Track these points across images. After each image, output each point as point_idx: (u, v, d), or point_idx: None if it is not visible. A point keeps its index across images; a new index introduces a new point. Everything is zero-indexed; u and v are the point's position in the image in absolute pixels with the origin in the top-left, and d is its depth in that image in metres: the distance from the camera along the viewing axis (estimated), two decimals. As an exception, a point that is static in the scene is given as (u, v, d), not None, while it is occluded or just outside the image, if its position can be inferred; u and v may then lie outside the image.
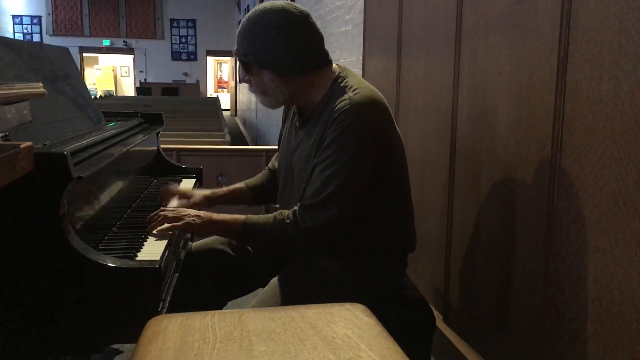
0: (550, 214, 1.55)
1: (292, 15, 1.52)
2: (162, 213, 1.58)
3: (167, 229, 1.54)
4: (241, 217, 1.54)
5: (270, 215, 1.53)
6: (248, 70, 1.59)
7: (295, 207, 1.50)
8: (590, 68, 1.38)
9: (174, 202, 1.80)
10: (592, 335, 1.38)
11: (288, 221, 1.48)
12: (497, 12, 1.85)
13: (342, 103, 1.48)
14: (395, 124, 1.60)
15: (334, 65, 1.62)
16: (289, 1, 1.62)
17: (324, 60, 1.58)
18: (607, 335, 1.33)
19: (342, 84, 1.55)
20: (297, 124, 1.67)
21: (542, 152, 1.58)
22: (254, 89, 1.62)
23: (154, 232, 1.55)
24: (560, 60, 1.50)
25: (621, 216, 1.28)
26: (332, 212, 1.46)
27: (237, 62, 1.64)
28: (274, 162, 1.93)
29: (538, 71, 1.61)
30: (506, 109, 1.79)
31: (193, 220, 1.55)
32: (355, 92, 1.51)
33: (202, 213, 1.58)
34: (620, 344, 1.29)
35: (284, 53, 1.52)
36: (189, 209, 1.61)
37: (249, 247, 1.77)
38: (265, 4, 1.55)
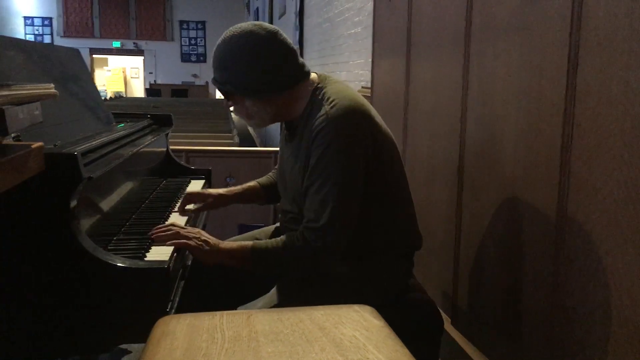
0: (560, 217, 1.54)
1: (260, 36, 1.51)
2: (174, 228, 1.55)
3: (176, 244, 1.50)
4: (249, 244, 1.53)
5: (277, 239, 1.52)
6: (229, 97, 1.59)
7: (302, 229, 1.49)
8: (601, 71, 1.38)
9: (190, 206, 1.81)
10: (600, 339, 1.38)
11: (298, 244, 1.47)
12: (506, 14, 1.84)
13: (320, 120, 1.48)
14: (383, 124, 1.59)
15: (313, 75, 1.61)
16: (255, 21, 1.62)
17: (301, 74, 1.57)
18: (616, 340, 1.33)
19: (319, 96, 1.54)
20: (286, 137, 1.68)
21: (552, 154, 1.58)
22: (237, 114, 1.63)
23: (162, 241, 1.52)
24: (571, 62, 1.50)
25: (631, 219, 1.27)
26: (338, 229, 1.46)
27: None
28: None
29: (548, 74, 1.60)
30: (515, 111, 1.78)
31: (201, 245, 1.51)
32: (331, 105, 1.49)
33: (211, 240, 1.53)
34: (630, 348, 1.28)
35: (259, 75, 1.51)
36: (201, 230, 1.58)
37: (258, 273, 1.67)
38: (233, 29, 1.54)
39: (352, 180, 1.48)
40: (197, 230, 1.58)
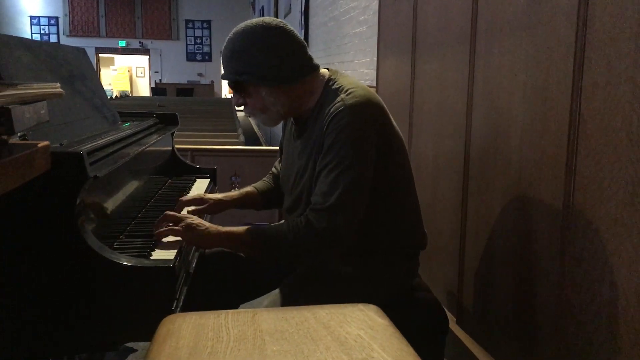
0: (566, 217, 1.54)
1: (272, 27, 1.54)
2: (165, 218, 1.56)
3: (167, 231, 1.52)
4: (249, 227, 1.53)
5: (279, 223, 1.53)
6: (243, 91, 1.59)
7: (306, 212, 1.48)
8: (607, 70, 1.37)
9: (189, 209, 1.81)
10: (607, 339, 1.37)
11: (302, 225, 1.46)
12: (512, 12, 1.84)
13: (336, 105, 1.49)
14: (393, 120, 1.60)
15: (323, 69, 1.63)
16: (262, 16, 1.64)
17: (312, 65, 1.59)
18: (622, 339, 1.32)
19: (333, 87, 1.57)
20: (295, 134, 1.67)
21: (558, 154, 1.57)
22: (251, 109, 1.62)
23: (161, 239, 1.53)
24: (577, 61, 1.49)
25: (637, 219, 1.26)
26: (346, 213, 1.45)
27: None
28: (276, 166, 1.94)
29: (554, 72, 1.60)
30: (521, 110, 1.78)
31: (197, 225, 1.52)
32: (347, 93, 1.52)
33: (207, 223, 1.55)
34: (637, 347, 1.28)
35: (275, 63, 1.53)
36: (193, 216, 1.59)
37: (257, 258, 1.68)
38: (242, 25, 1.57)
39: (365, 165, 1.47)
40: (190, 216, 1.59)
